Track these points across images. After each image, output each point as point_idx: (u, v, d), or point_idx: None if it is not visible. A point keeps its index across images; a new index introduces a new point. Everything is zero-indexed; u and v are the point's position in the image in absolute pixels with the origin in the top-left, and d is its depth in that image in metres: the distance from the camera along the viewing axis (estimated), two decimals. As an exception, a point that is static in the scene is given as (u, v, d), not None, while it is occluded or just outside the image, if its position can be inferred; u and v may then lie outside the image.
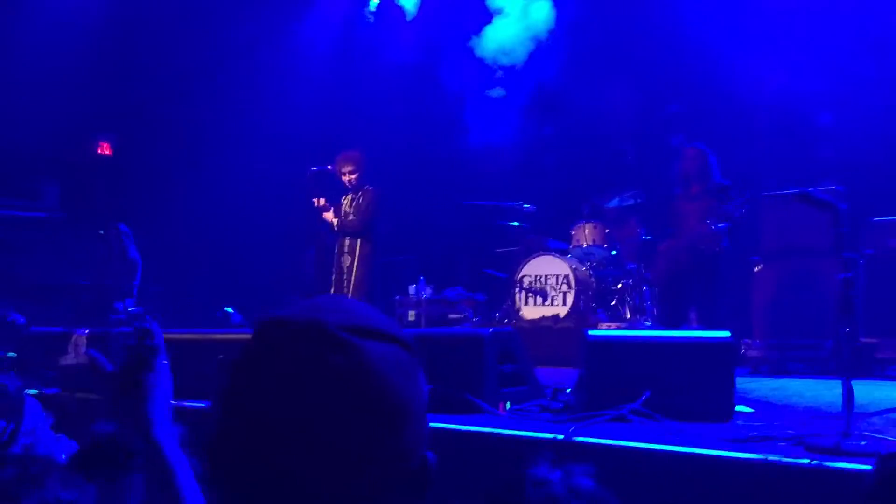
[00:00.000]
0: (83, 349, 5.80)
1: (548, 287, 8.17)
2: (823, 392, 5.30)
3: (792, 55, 8.59)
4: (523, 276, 8.28)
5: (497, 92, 9.35)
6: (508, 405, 4.38)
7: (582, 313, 7.96)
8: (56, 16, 9.86)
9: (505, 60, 9.43)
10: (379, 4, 11.21)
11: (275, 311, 0.94)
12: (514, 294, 8.30)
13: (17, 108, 9.65)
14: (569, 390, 4.75)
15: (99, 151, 11.57)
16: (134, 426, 1.13)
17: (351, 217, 7.88)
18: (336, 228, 7.91)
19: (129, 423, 1.14)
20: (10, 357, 6.41)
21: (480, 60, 9.63)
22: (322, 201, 7.96)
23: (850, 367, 3.28)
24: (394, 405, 0.89)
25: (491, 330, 4.59)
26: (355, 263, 7.83)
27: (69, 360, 5.82)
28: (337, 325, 0.89)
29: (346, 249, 7.92)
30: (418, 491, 0.93)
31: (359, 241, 7.86)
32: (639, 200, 8.47)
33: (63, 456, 2.60)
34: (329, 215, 7.93)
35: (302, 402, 0.86)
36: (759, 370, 6.88)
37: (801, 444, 3.25)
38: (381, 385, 0.88)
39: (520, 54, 9.34)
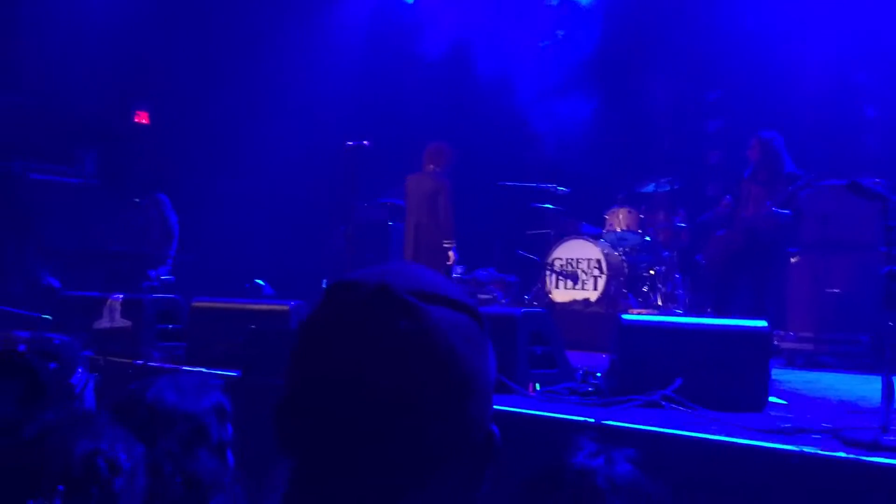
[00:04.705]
0: (118, 314, 5.87)
1: (579, 271, 8.12)
2: (858, 387, 5.22)
3: (839, 44, 8.41)
4: (555, 259, 8.24)
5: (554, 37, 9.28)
6: (538, 386, 4.36)
7: (612, 298, 7.90)
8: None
9: None
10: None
11: (346, 273, 0.94)
12: (545, 277, 8.26)
13: (57, 74, 9.74)
14: (599, 374, 4.72)
15: (136, 120, 11.65)
16: None
17: None
18: None
19: None
20: (48, 319, 6.51)
21: (517, 39, 9.55)
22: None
23: (892, 362, 3.22)
24: (459, 373, 0.88)
25: (523, 310, 4.56)
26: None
27: (103, 324, 5.90)
28: (405, 290, 0.88)
29: None
30: (482, 463, 0.91)
31: None
32: (675, 186, 8.36)
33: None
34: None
35: (367, 365, 0.85)
36: (793, 362, 6.80)
37: (838, 437, 3.21)
38: (447, 352, 0.87)
39: None
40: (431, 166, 8.09)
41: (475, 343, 0.91)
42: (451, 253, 7.96)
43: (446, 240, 7.96)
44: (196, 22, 10.66)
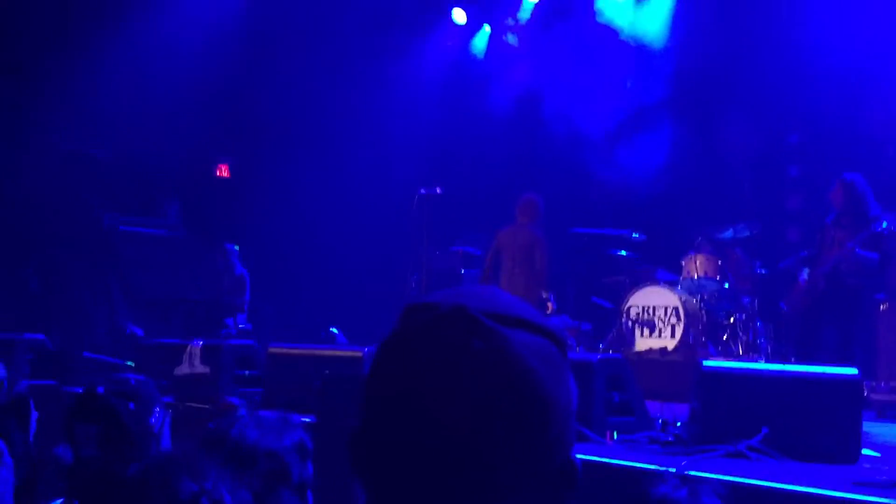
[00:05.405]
0: (197, 360, 6.00)
1: (656, 319, 7.94)
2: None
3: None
4: (630, 307, 8.09)
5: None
6: (616, 435, 4.25)
7: (691, 347, 7.70)
8: (182, 46, 10.38)
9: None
10: (489, 39, 11.40)
11: (422, 296, 0.93)
12: (621, 324, 8.11)
13: (146, 130, 10.17)
14: (679, 423, 4.58)
15: (217, 173, 12.06)
16: None
17: None
18: None
19: None
20: (130, 366, 6.69)
21: (588, 86, 9.57)
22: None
23: None
24: (538, 397, 0.85)
25: (599, 356, 4.48)
26: None
27: (184, 370, 6.03)
28: (482, 311, 0.86)
29: None
30: (562, 492, 0.88)
31: None
32: (755, 232, 8.16)
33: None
34: None
35: (442, 387, 0.83)
36: (884, 414, 6.47)
37: (939, 491, 3.02)
38: (525, 375, 0.84)
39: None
40: (524, 219, 8.12)
41: (554, 367, 0.88)
42: (549, 304, 8.02)
43: (543, 290, 8.00)
44: (273, 77, 11.03)
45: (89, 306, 9.91)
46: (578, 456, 0.89)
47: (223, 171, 12.13)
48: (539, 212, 8.14)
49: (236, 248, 9.94)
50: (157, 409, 2.58)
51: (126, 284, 10.09)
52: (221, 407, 3.62)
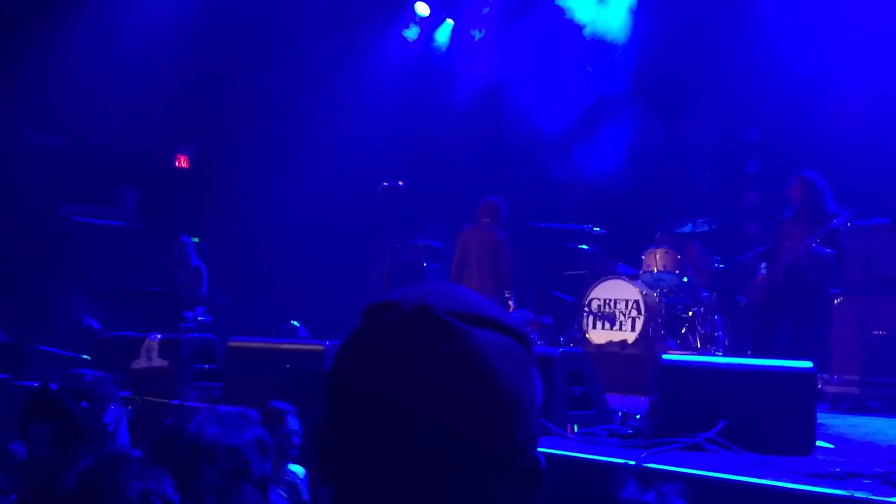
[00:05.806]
0: (155, 354, 5.91)
1: (616, 312, 8.02)
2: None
3: (877, 83, 8.32)
4: (592, 300, 8.15)
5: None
6: (576, 428, 4.29)
7: (650, 340, 7.78)
8: (142, 34, 10.20)
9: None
10: (452, 32, 11.40)
11: (385, 294, 0.91)
12: (582, 318, 8.17)
13: (103, 119, 9.98)
14: (638, 416, 4.63)
15: (176, 164, 11.87)
16: None
17: None
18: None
19: None
20: (86, 360, 6.57)
21: (550, 80, 9.62)
22: None
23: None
24: (504, 396, 0.84)
25: (561, 350, 4.50)
26: None
27: (141, 363, 5.94)
28: (446, 311, 0.85)
29: None
30: (528, 491, 0.88)
31: None
32: (713, 227, 8.26)
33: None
34: None
35: (405, 387, 0.82)
36: (838, 406, 6.61)
37: (889, 482, 3.09)
38: (490, 374, 0.83)
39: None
40: (486, 220, 8.14)
41: (520, 365, 0.87)
42: (510, 303, 8.08)
43: (506, 290, 8.04)
44: (236, 70, 10.89)
45: (44, 298, 9.72)
46: (541, 449, 0.89)
47: (182, 162, 11.94)
48: (500, 213, 8.17)
49: (194, 240, 9.79)
50: (113, 406, 2.52)
51: (82, 276, 9.90)
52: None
